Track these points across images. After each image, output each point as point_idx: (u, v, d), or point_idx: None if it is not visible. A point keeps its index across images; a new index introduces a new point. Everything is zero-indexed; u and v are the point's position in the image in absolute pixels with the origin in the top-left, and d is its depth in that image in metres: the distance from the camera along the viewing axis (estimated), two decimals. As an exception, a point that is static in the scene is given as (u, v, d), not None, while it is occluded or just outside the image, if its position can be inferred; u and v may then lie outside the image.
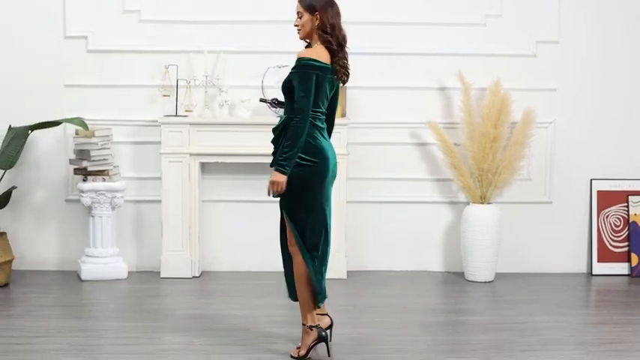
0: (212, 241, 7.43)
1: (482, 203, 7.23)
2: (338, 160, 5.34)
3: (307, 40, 5.20)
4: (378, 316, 6.18)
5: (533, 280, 7.25)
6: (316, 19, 5.07)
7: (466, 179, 7.23)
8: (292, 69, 5.12)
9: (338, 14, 5.11)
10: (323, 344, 5.27)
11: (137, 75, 7.30)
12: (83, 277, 7.08)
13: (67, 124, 7.07)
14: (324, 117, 5.19)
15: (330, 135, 5.29)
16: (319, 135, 5.13)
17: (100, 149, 7.07)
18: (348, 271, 7.21)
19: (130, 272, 7.25)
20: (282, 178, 5.04)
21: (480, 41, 7.38)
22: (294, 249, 5.26)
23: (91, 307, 6.47)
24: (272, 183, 5.06)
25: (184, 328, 5.86)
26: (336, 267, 6.88)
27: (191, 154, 7.13)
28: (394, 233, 7.44)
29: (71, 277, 7.18)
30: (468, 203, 7.32)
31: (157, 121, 7.17)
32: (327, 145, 5.16)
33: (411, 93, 7.35)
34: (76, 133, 7.10)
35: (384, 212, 7.40)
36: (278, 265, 7.31)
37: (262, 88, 7.19)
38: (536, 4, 7.39)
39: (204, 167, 7.33)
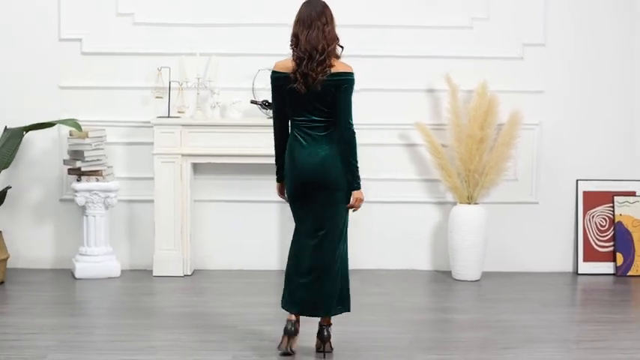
0: (204, 240, 7.53)
1: (470, 203, 7.34)
2: None
3: None
4: (364, 314, 6.27)
5: (520, 279, 7.36)
6: None
7: (453, 180, 7.33)
8: None
9: (308, 26, 5.14)
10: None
11: (130, 77, 7.41)
12: (77, 275, 7.19)
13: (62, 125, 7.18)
14: (308, 121, 5.22)
15: (343, 144, 5.20)
16: (293, 143, 5.27)
17: (94, 150, 7.17)
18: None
19: (123, 271, 7.35)
20: (277, 187, 5.53)
21: (467, 44, 7.48)
22: None
23: (83, 305, 6.60)
24: None
25: (174, 326, 5.98)
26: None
27: (183, 155, 7.22)
28: (383, 233, 7.55)
29: (65, 276, 7.29)
30: (455, 203, 7.42)
31: (149, 123, 7.27)
32: (297, 153, 5.24)
33: (399, 95, 7.46)
34: (70, 134, 7.20)
35: (374, 212, 7.48)
36: (269, 264, 7.51)
37: (253, 90, 7.29)
38: (523, 7, 7.49)
39: (196, 167, 7.43)
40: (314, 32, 5.13)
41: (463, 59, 7.46)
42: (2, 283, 7.03)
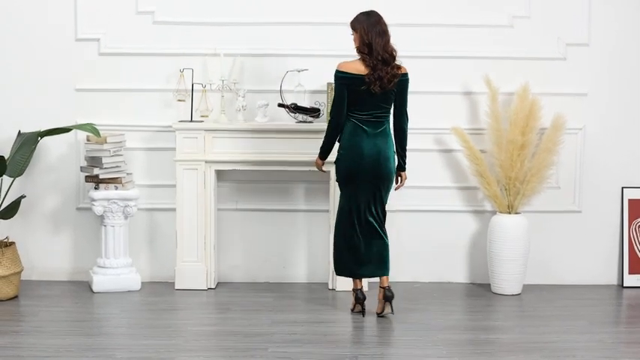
0: (228, 251, 7.22)
1: (510, 213, 6.97)
2: None
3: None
4: (400, 333, 5.95)
5: (562, 293, 6.99)
6: (356, 37, 6.07)
7: (493, 188, 6.98)
8: None
9: (379, 34, 6.02)
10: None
11: (151, 79, 7.10)
12: (95, 288, 6.86)
13: (79, 129, 6.85)
14: (370, 116, 6.10)
15: (400, 132, 6.23)
16: (357, 132, 6.09)
17: (113, 156, 6.85)
18: (368, 282, 6.91)
19: (143, 283, 7.03)
20: (317, 161, 6.35)
21: (507, 44, 7.13)
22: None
23: (102, 323, 6.22)
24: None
25: (198, 347, 5.63)
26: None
27: (206, 162, 6.90)
28: (418, 243, 7.20)
29: (82, 289, 6.96)
30: (494, 213, 7.07)
31: (171, 127, 6.95)
32: (362, 142, 6.09)
33: (435, 98, 7.11)
34: (88, 139, 6.88)
35: (408, 221, 7.14)
36: (297, 277, 7.20)
37: (281, 93, 6.96)
38: (566, 4, 7.13)
39: (220, 175, 7.11)
40: (384, 39, 6.03)
41: (503, 60, 7.11)
42: (16, 297, 6.69)
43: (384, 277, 6.27)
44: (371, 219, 6.21)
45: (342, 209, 6.26)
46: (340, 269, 6.36)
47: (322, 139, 6.25)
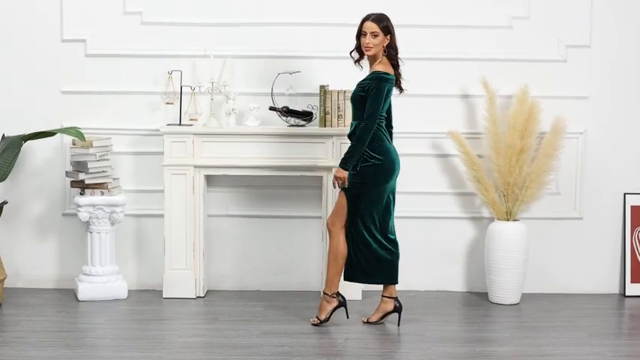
0: (218, 258, 7.04)
1: (508, 220, 6.78)
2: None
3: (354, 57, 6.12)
4: (394, 345, 5.77)
5: (562, 303, 6.80)
6: (387, 39, 5.94)
7: (490, 194, 6.79)
8: (366, 80, 5.93)
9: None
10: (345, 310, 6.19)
11: (138, 81, 6.94)
12: (80, 297, 6.67)
13: (64, 133, 6.67)
14: (385, 120, 6.06)
15: (392, 138, 6.16)
16: (386, 138, 6.00)
17: (99, 160, 6.68)
18: (363, 291, 6.76)
19: (130, 291, 6.85)
20: (343, 174, 5.93)
21: (505, 45, 6.95)
22: (334, 228, 6.04)
23: (85, 333, 6.01)
24: (335, 177, 5.95)
25: (185, 361, 5.45)
26: (350, 287, 6.45)
27: (195, 166, 6.73)
28: (413, 250, 6.97)
29: (68, 297, 6.78)
30: (492, 219, 6.88)
31: (159, 131, 6.78)
32: (391, 147, 6.03)
33: (431, 101, 6.93)
34: (73, 143, 6.71)
35: (402, 228, 6.88)
36: (289, 285, 7.02)
37: (272, 96, 6.79)
38: (566, 5, 6.94)
39: (209, 180, 6.94)
40: None
41: (501, 62, 6.94)
42: (-1, 306, 6.53)
43: (394, 286, 6.18)
44: (393, 225, 6.17)
45: (374, 217, 6.05)
46: (374, 278, 6.16)
47: (354, 148, 5.90)
